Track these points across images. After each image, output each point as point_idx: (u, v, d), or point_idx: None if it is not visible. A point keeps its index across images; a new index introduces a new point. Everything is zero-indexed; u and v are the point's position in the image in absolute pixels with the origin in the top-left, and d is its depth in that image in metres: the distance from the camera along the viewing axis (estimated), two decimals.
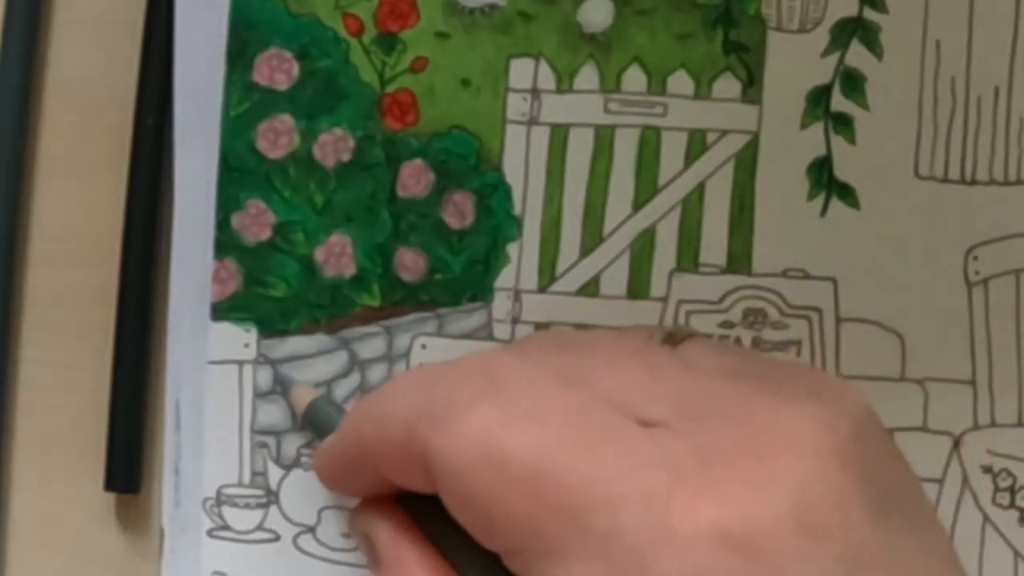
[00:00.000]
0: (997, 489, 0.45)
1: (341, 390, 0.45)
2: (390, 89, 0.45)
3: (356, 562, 0.44)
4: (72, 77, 0.46)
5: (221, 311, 0.45)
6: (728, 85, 0.45)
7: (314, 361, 0.45)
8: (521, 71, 0.45)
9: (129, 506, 0.45)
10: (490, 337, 0.45)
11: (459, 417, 0.37)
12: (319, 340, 0.45)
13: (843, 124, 0.45)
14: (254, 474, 0.45)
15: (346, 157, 0.45)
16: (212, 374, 0.45)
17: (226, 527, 0.45)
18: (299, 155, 0.45)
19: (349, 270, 0.45)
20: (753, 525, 0.34)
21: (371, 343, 0.45)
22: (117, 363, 0.45)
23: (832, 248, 0.45)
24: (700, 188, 0.45)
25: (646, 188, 0.45)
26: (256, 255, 0.45)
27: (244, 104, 0.44)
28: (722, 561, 0.34)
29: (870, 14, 0.45)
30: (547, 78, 0.45)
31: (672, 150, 0.45)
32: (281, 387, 0.44)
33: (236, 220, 0.45)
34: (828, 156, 0.45)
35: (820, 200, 0.45)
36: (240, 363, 0.45)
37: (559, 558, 0.35)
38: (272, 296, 0.45)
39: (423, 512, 0.39)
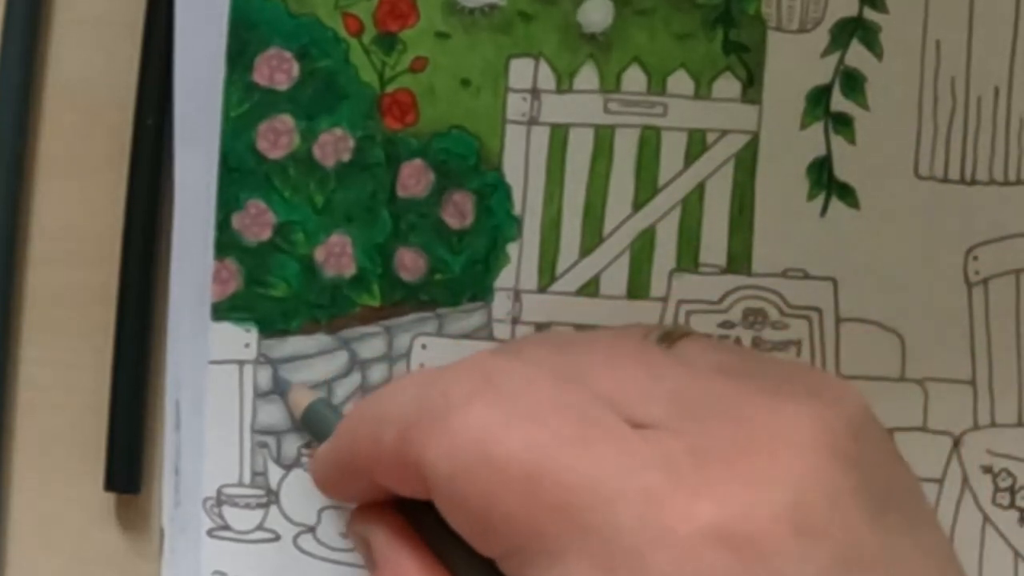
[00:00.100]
0: (997, 489, 0.45)
1: (341, 390, 0.45)
2: (390, 89, 0.45)
3: (356, 562, 0.44)
4: (72, 77, 0.46)
5: (221, 311, 0.45)
6: (728, 85, 0.45)
7: (314, 361, 0.45)
8: (521, 71, 0.45)
9: (129, 506, 0.45)
10: (490, 337, 0.45)
11: (455, 417, 0.37)
12: (319, 340, 0.45)
13: (843, 124, 0.45)
14: (254, 474, 0.45)
15: (346, 157, 0.45)
16: (212, 374, 0.45)
17: (226, 527, 0.45)
18: (299, 155, 0.45)
19: (349, 270, 0.45)
20: (750, 524, 0.34)
21: (371, 343, 0.45)
22: (117, 363, 0.45)
23: (832, 248, 0.45)
24: (700, 188, 0.45)
25: (646, 188, 0.45)
26: (256, 255, 0.45)
27: (244, 104, 0.44)
28: (719, 560, 0.34)
29: (870, 14, 0.45)
30: (547, 78, 0.45)
31: (672, 150, 0.45)
32: (279, 389, 0.44)
33: (236, 220, 0.45)
34: (828, 156, 0.45)
35: (820, 200, 0.45)
36: (240, 363, 0.45)
37: (556, 558, 0.35)
38: (272, 296, 0.45)
39: (420, 516, 0.39)
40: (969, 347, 0.45)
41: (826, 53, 0.45)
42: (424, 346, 0.45)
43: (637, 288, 0.45)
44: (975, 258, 0.45)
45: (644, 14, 0.45)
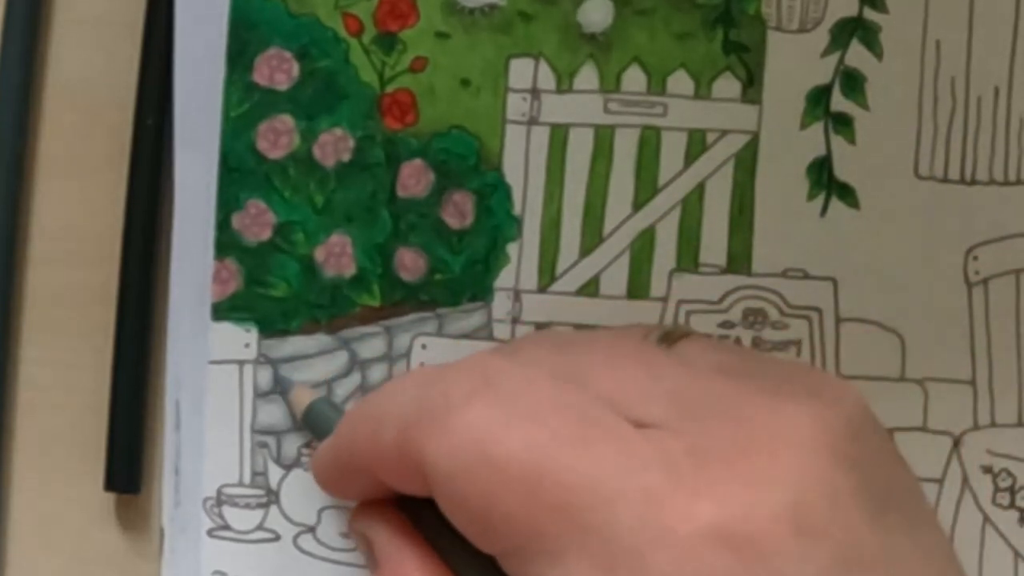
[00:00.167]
0: (997, 489, 0.45)
1: (341, 390, 0.45)
2: (390, 89, 0.45)
3: (356, 562, 0.44)
4: (72, 77, 0.46)
5: (222, 311, 0.45)
6: (728, 85, 0.45)
7: (314, 361, 0.45)
8: (521, 71, 0.45)
9: (129, 506, 0.45)
10: (490, 337, 0.45)
11: (455, 417, 0.37)
12: (319, 340, 0.45)
13: (843, 124, 0.45)
14: (254, 474, 0.45)
15: (346, 157, 0.45)
16: (212, 374, 0.45)
17: (226, 527, 0.45)
18: (299, 155, 0.45)
19: (349, 270, 0.45)
20: (750, 524, 0.34)
21: (371, 343, 0.45)
22: (117, 363, 0.45)
23: (832, 248, 0.45)
24: (700, 188, 0.45)
25: (646, 188, 0.45)
26: (256, 255, 0.45)
27: (244, 104, 0.44)
28: (719, 560, 0.34)
29: (870, 14, 0.45)
30: (547, 78, 0.45)
31: (672, 150, 0.45)
32: (281, 388, 0.44)
33: (236, 220, 0.45)
34: (828, 156, 0.45)
35: (820, 200, 0.45)
36: (240, 363, 0.45)
37: (556, 558, 0.35)
38: (272, 296, 0.45)
39: (421, 514, 0.39)
40: (969, 347, 0.45)
41: (826, 53, 0.45)
42: (424, 346, 0.45)
43: (637, 288, 0.45)
44: (975, 258, 0.45)
45: (644, 14, 0.45)
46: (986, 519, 0.45)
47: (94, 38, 0.45)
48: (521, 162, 0.45)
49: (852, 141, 0.45)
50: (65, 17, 0.46)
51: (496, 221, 0.45)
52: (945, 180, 0.45)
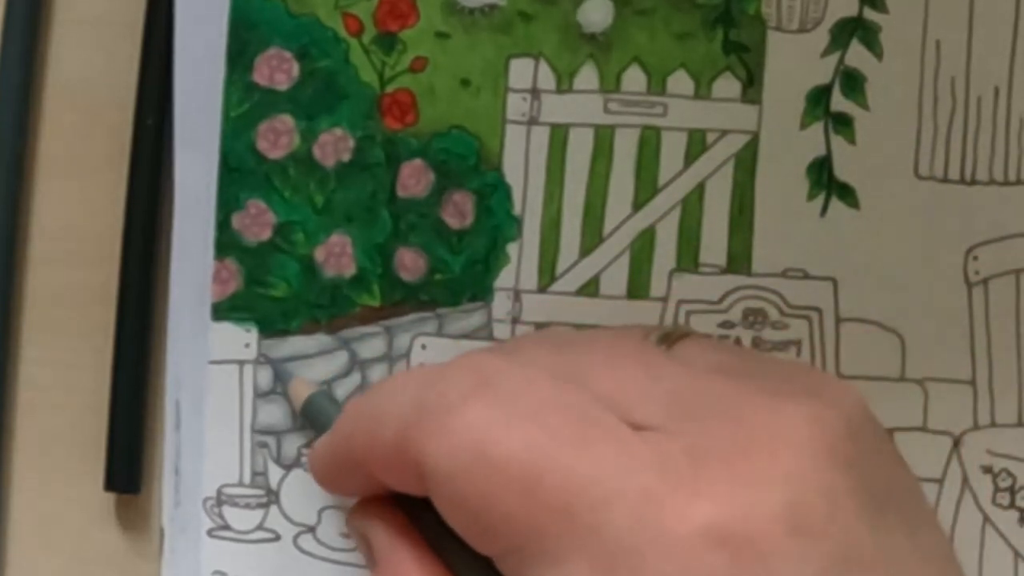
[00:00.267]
0: (997, 489, 0.45)
1: (341, 390, 0.45)
2: (390, 89, 0.45)
3: (356, 562, 0.44)
4: (72, 77, 0.46)
5: (222, 311, 0.45)
6: (728, 85, 0.45)
7: (314, 361, 0.45)
8: (521, 71, 0.45)
9: (129, 506, 0.45)
10: (490, 337, 0.45)
11: (453, 417, 0.37)
12: (319, 340, 0.45)
13: (843, 124, 0.45)
14: (254, 474, 0.45)
15: (346, 157, 0.45)
16: (212, 374, 0.45)
17: (226, 527, 0.45)
18: (299, 155, 0.45)
19: (349, 270, 0.45)
20: (748, 524, 0.34)
21: (371, 343, 0.45)
22: (117, 363, 0.45)
23: (832, 248, 0.45)
24: (700, 188, 0.45)
25: (646, 188, 0.45)
26: (257, 255, 0.45)
27: (244, 104, 0.44)
28: (716, 560, 0.34)
29: (870, 14, 0.44)
30: (547, 78, 0.45)
31: (672, 150, 0.45)
32: (280, 381, 0.44)
33: (236, 220, 0.45)
34: (828, 156, 0.45)
35: (820, 200, 0.45)
36: (241, 363, 0.45)
37: (554, 559, 0.35)
38: (272, 296, 0.45)
39: (419, 512, 0.39)
40: (969, 347, 0.45)
41: (826, 53, 0.45)
42: (424, 346, 0.45)
43: (637, 288, 0.45)
44: (975, 258, 0.45)
45: (644, 14, 0.45)
46: (986, 519, 0.45)
47: (94, 38, 0.45)
48: (521, 162, 0.45)
49: (852, 141, 0.45)
50: (65, 17, 0.46)
51: (496, 221, 0.45)
52: (945, 180, 0.45)
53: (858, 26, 0.44)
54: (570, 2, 0.44)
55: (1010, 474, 0.45)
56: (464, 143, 0.45)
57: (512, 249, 0.45)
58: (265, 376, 0.45)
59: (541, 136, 0.45)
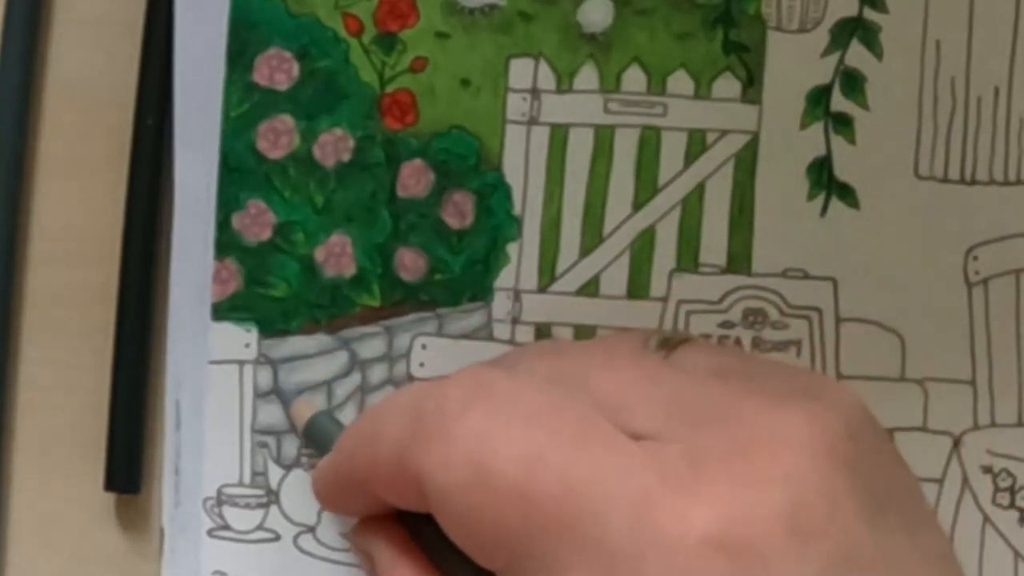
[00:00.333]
0: (997, 489, 0.45)
1: (341, 390, 0.45)
2: (390, 89, 0.45)
3: (356, 562, 0.44)
4: (72, 77, 0.46)
5: (222, 311, 0.45)
6: (728, 85, 0.45)
7: (314, 361, 0.45)
8: (521, 71, 0.45)
9: (129, 506, 0.45)
10: (490, 337, 0.45)
11: (450, 430, 0.37)
12: (319, 340, 0.45)
13: (843, 124, 0.45)
14: (254, 474, 0.45)
15: (346, 157, 0.45)
16: (213, 374, 0.45)
17: (226, 527, 0.45)
18: (299, 155, 0.45)
19: (349, 270, 0.45)
20: (747, 527, 0.34)
21: (371, 343, 0.45)
22: (117, 363, 0.45)
23: (832, 248, 0.45)
24: (700, 188, 0.45)
25: (646, 188, 0.45)
26: (257, 255, 0.45)
27: (244, 104, 0.44)
28: (716, 563, 0.34)
29: (870, 14, 0.44)
30: (547, 78, 0.45)
31: (672, 150, 0.45)
32: (282, 401, 0.44)
33: (237, 220, 0.45)
34: (828, 156, 0.45)
35: (820, 200, 0.45)
36: (241, 363, 0.45)
37: (555, 569, 0.35)
38: (272, 296, 0.45)
39: (421, 529, 0.39)
40: (969, 347, 0.45)
41: (826, 53, 0.45)
42: (424, 346, 0.45)
43: (637, 288, 0.45)
44: (975, 258, 0.45)
45: (644, 14, 0.45)
46: (986, 519, 0.45)
47: (94, 38, 0.45)
48: (521, 162, 0.45)
49: (852, 141, 0.45)
50: (65, 17, 0.46)
51: (496, 221, 0.45)
52: (945, 180, 0.45)
53: (858, 26, 0.44)
54: (570, 2, 0.44)
55: (1010, 474, 0.45)
56: (464, 143, 0.45)
57: (512, 249, 0.45)
58: (265, 376, 0.45)
59: (541, 136, 0.45)
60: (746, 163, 0.45)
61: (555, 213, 0.45)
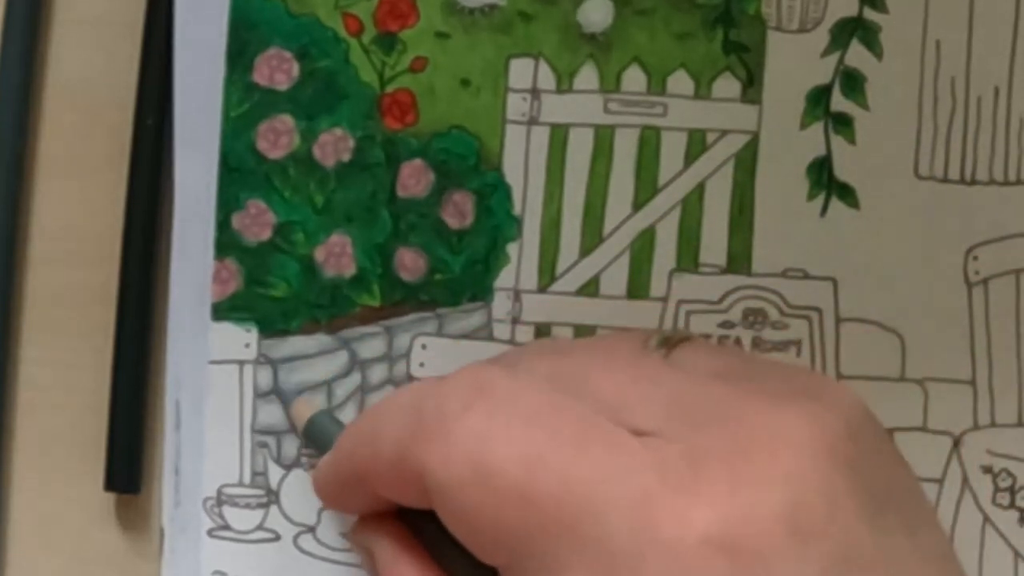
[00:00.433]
0: (997, 489, 0.45)
1: (341, 390, 0.45)
2: (390, 89, 0.45)
3: (356, 562, 0.44)
4: (72, 77, 0.46)
5: (222, 311, 0.45)
6: (728, 85, 0.45)
7: (314, 361, 0.45)
8: (521, 71, 0.45)
9: (129, 506, 0.45)
10: (490, 337, 0.45)
11: (451, 428, 0.37)
12: (319, 340, 0.45)
13: (843, 124, 0.45)
14: (254, 474, 0.45)
15: (346, 157, 0.45)
16: (213, 374, 0.45)
17: (226, 527, 0.45)
18: (299, 155, 0.45)
19: (349, 270, 0.45)
20: (747, 527, 0.34)
21: (371, 343, 0.45)
22: (117, 363, 0.45)
23: (832, 248, 0.45)
24: (700, 188, 0.45)
25: (646, 188, 0.45)
26: (257, 255, 0.45)
27: (244, 104, 0.44)
28: (716, 563, 0.34)
29: (870, 14, 0.44)
30: (547, 78, 0.45)
31: (672, 150, 0.45)
32: (282, 401, 0.44)
33: (237, 220, 0.45)
34: (828, 156, 0.45)
35: (820, 200, 0.45)
36: (241, 363, 0.45)
37: (556, 567, 0.35)
38: (272, 296, 0.45)
39: (423, 526, 0.39)
40: (969, 347, 0.45)
41: (826, 53, 0.45)
42: (424, 346, 0.45)
43: (637, 288, 0.45)
44: (975, 258, 0.45)
45: (644, 14, 0.45)
46: (986, 519, 0.45)
47: (94, 38, 0.45)
48: (521, 162, 0.45)
49: (852, 141, 0.45)
50: (65, 17, 0.46)
51: (496, 221, 0.45)
52: (945, 180, 0.45)
53: (858, 26, 0.44)
54: (570, 2, 0.44)
55: (1010, 474, 0.45)
56: (464, 143, 0.45)
57: (512, 249, 0.45)
58: (265, 376, 0.45)
59: (541, 136, 0.45)
60: (746, 163, 0.45)
61: (555, 213, 0.45)
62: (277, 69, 0.44)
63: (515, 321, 0.45)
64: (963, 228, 0.45)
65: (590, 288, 0.45)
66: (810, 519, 0.35)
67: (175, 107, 0.44)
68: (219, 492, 0.44)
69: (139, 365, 0.45)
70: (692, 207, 0.45)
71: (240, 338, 0.45)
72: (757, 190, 0.45)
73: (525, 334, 0.45)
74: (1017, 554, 0.45)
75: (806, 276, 0.45)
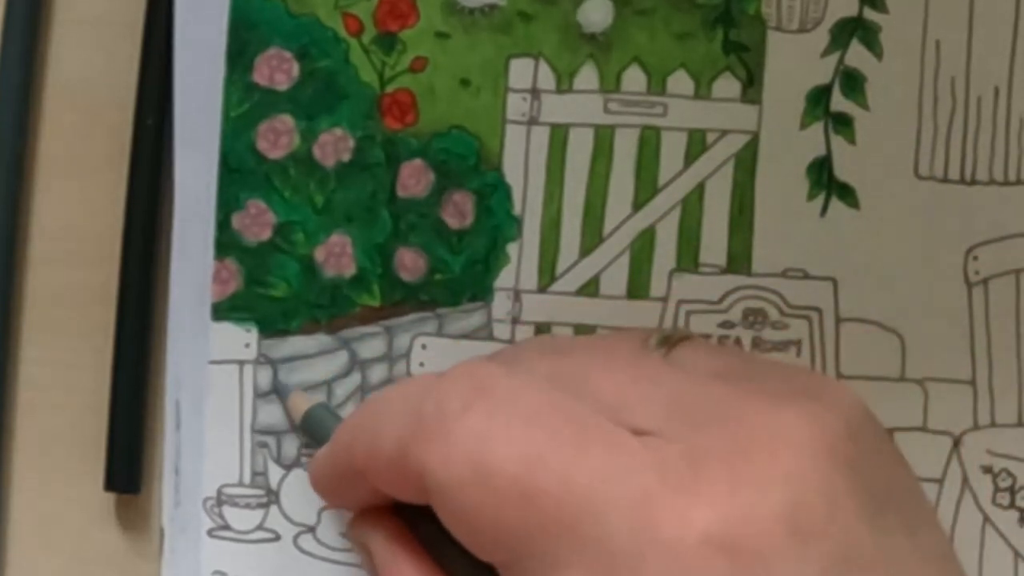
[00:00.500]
0: (997, 489, 0.45)
1: (341, 390, 0.45)
2: (390, 89, 0.45)
3: (356, 562, 0.44)
4: (72, 77, 0.46)
5: (222, 311, 0.45)
6: (728, 85, 0.45)
7: (314, 361, 0.45)
8: (521, 71, 0.45)
9: (129, 506, 0.45)
10: (490, 337, 0.45)
11: (451, 428, 0.37)
12: (319, 340, 0.45)
13: (843, 124, 0.45)
14: (254, 474, 0.45)
15: (346, 157, 0.45)
16: (213, 374, 0.45)
17: (226, 527, 0.45)
18: (299, 155, 0.45)
19: (349, 270, 0.45)
20: (747, 527, 0.34)
21: (371, 343, 0.45)
22: (117, 363, 0.45)
23: (832, 248, 0.45)
24: (700, 188, 0.45)
25: (646, 188, 0.45)
26: (257, 255, 0.45)
27: (244, 104, 0.44)
28: (716, 563, 0.34)
29: (870, 14, 0.44)
30: (547, 78, 0.45)
31: (672, 150, 0.45)
32: (279, 394, 0.44)
33: (237, 220, 0.45)
34: (828, 156, 0.45)
35: (820, 200, 0.45)
36: (241, 363, 0.45)
37: (555, 566, 0.35)
38: (272, 296, 0.45)
39: (419, 521, 0.39)
40: (969, 347, 0.45)
41: (826, 53, 0.45)
42: (424, 346, 0.45)
43: (637, 288, 0.45)
44: (975, 258, 0.45)
45: (644, 14, 0.45)
46: (986, 519, 0.45)
47: (94, 38, 0.45)
48: (521, 162, 0.45)
49: (852, 141, 0.45)
50: (65, 17, 0.46)
51: (496, 221, 0.45)
52: (945, 180, 0.45)
53: (858, 26, 0.44)
54: (570, 2, 0.44)
55: (1010, 474, 0.45)
56: (464, 143, 0.45)
57: (512, 249, 0.45)
58: (265, 376, 0.45)
59: (541, 136, 0.45)
60: (746, 163, 0.45)
61: (555, 213, 0.45)
62: (277, 69, 0.44)
63: (515, 321, 0.45)
64: (963, 228, 0.45)
65: (590, 288, 0.45)
66: (810, 519, 0.35)
67: (175, 107, 0.44)
68: (219, 492, 0.44)
69: (139, 365, 0.45)
70: (692, 207, 0.45)
71: (240, 338, 0.45)
72: (757, 190, 0.45)
73: (525, 334, 0.45)
74: (1017, 554, 0.45)
75: (806, 276, 0.45)
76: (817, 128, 0.45)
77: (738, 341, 0.45)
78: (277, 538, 0.45)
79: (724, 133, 0.45)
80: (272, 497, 0.45)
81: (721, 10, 0.44)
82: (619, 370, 0.38)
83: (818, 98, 0.45)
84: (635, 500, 0.35)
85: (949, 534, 0.44)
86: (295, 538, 0.45)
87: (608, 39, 0.45)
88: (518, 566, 0.36)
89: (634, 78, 0.45)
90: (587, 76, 0.45)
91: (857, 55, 0.45)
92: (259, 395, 0.45)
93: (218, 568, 0.44)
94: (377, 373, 0.45)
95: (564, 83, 0.45)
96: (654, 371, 0.38)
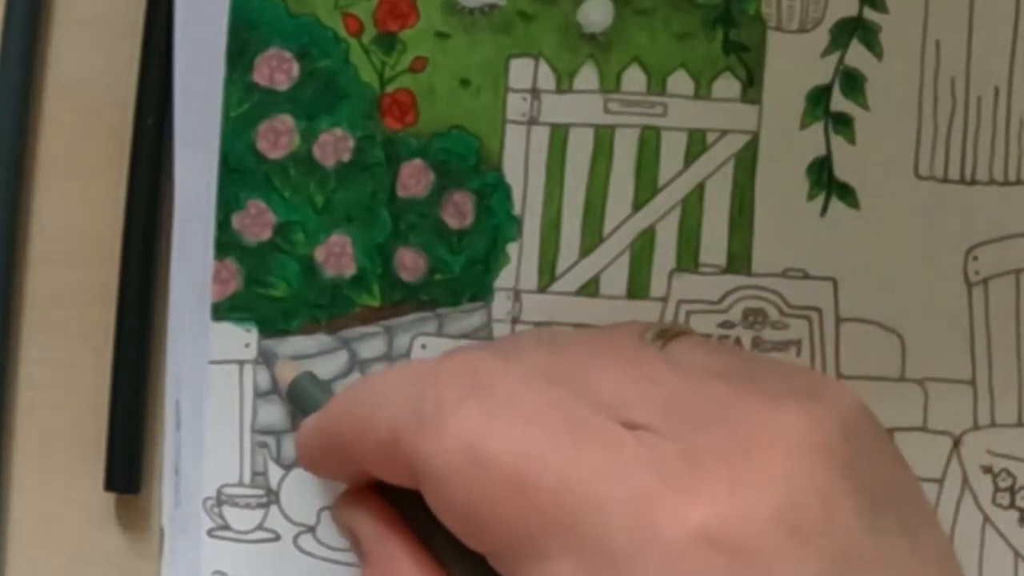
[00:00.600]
0: (997, 489, 0.45)
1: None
2: (390, 89, 0.45)
3: (356, 562, 0.44)
4: (72, 77, 0.46)
5: (222, 311, 0.45)
6: (728, 85, 0.45)
7: (314, 361, 0.45)
8: (521, 71, 0.45)
9: (129, 506, 0.45)
10: (490, 337, 0.45)
11: (447, 420, 0.37)
12: (319, 340, 0.45)
13: (843, 124, 0.45)
14: (254, 474, 0.45)
15: (346, 157, 0.45)
16: (213, 374, 0.45)
17: (226, 527, 0.45)
18: (299, 155, 0.45)
19: (349, 270, 0.45)
20: (743, 527, 0.34)
21: (371, 343, 0.45)
22: (117, 363, 0.45)
23: (832, 248, 0.45)
24: (700, 188, 0.45)
25: (646, 188, 0.45)
26: (257, 255, 0.45)
27: (244, 104, 0.44)
28: (712, 563, 0.34)
29: (870, 14, 0.45)
30: (547, 78, 0.45)
31: (672, 150, 0.45)
32: (266, 361, 0.44)
33: (237, 220, 0.45)
34: (828, 156, 0.45)
35: (820, 200, 0.45)
36: (241, 363, 0.45)
37: (546, 562, 0.35)
38: (272, 296, 0.45)
39: (407, 503, 0.39)
40: (969, 347, 0.45)
41: (826, 53, 0.45)
42: (424, 346, 0.45)
43: (637, 288, 0.45)
44: (975, 258, 0.45)
45: (644, 14, 0.45)
46: (986, 519, 0.45)
47: (94, 38, 0.45)
48: (521, 162, 0.45)
49: (852, 141, 0.45)
50: (65, 17, 0.46)
51: (496, 221, 0.45)
52: (945, 180, 0.45)
53: (858, 26, 0.44)
54: (570, 2, 0.44)
55: (1010, 474, 0.45)
56: (464, 143, 0.45)
57: (512, 249, 0.45)
58: (265, 376, 0.45)
59: (541, 136, 0.45)
60: (746, 163, 0.45)
61: (555, 213, 0.45)
62: (277, 69, 0.44)
63: (515, 321, 0.45)
64: (963, 228, 0.45)
65: (590, 288, 0.45)
66: (809, 519, 0.35)
67: (175, 107, 0.44)
68: (219, 492, 0.44)
69: (139, 365, 0.45)
70: (692, 207, 0.45)
71: (240, 338, 0.45)
72: (757, 190, 0.45)
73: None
74: (1017, 554, 0.45)
75: (806, 276, 0.45)
76: (817, 128, 0.45)
77: (738, 341, 0.45)
78: (277, 538, 0.45)
79: (724, 133, 0.45)
80: (272, 497, 0.45)
81: (721, 10, 0.44)
82: (619, 369, 0.38)
83: (818, 98, 0.45)
84: (634, 499, 0.35)
85: (949, 534, 0.44)
86: (295, 538, 0.45)
87: (608, 39, 0.45)
88: (508, 556, 0.36)
89: (634, 78, 0.45)
90: (587, 76, 0.45)
91: (857, 55, 0.45)
92: (259, 395, 0.45)
93: (218, 568, 0.44)
94: None
95: (564, 83, 0.45)
96: (654, 370, 0.38)
